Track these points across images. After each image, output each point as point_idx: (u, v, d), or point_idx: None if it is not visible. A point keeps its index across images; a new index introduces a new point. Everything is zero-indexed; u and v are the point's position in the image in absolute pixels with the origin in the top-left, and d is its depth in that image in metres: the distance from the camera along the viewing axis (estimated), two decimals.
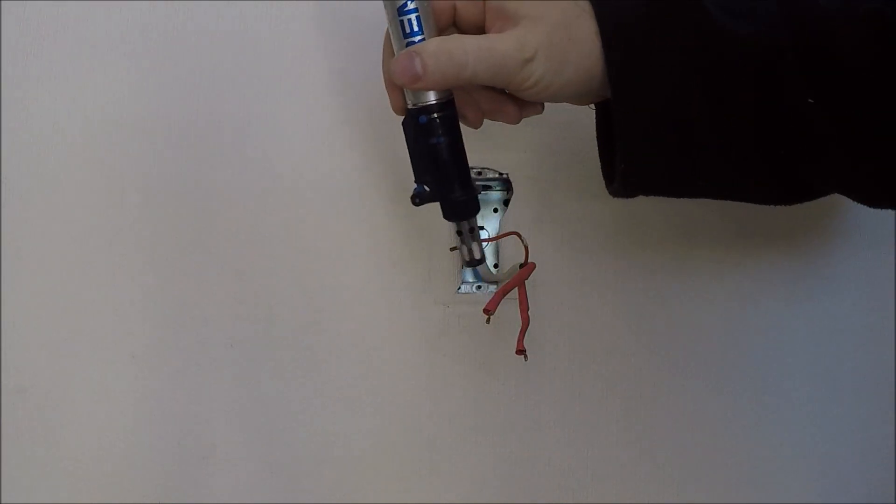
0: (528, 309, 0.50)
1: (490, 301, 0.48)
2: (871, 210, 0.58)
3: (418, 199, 0.43)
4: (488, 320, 0.48)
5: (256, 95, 0.57)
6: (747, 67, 0.39)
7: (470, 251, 0.46)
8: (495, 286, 0.58)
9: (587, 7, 0.39)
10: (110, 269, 0.56)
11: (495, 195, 0.61)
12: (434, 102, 0.41)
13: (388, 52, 0.42)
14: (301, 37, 0.57)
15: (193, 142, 0.56)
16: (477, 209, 0.45)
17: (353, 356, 0.57)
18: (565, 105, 0.58)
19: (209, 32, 0.56)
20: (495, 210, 0.61)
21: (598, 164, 0.58)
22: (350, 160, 0.57)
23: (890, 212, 0.59)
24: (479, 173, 0.58)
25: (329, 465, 0.57)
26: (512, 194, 0.58)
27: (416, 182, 0.44)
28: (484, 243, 0.59)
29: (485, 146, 0.58)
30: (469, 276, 0.59)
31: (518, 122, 0.45)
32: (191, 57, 0.56)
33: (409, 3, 0.40)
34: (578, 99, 0.42)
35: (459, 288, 0.58)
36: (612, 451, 0.58)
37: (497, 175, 0.58)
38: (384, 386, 0.57)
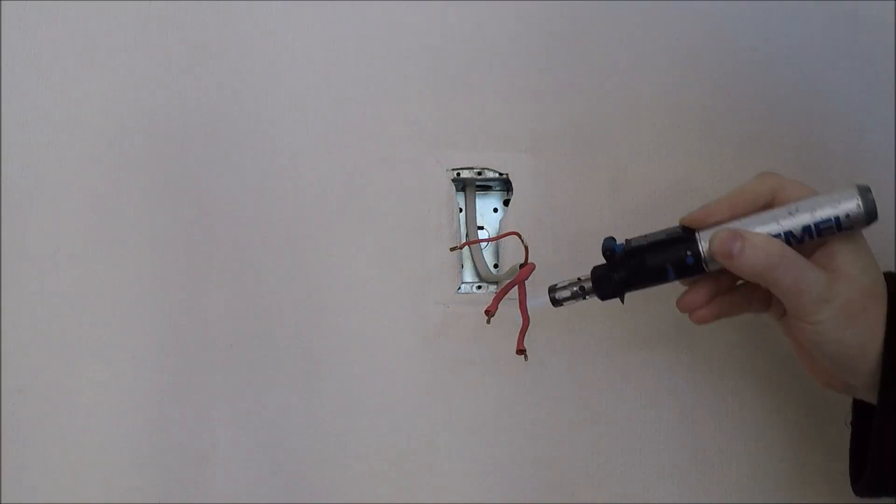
0: (527, 309, 0.50)
1: (491, 302, 0.48)
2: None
3: (609, 252, 0.46)
4: (489, 321, 0.48)
5: (256, 95, 0.57)
6: None
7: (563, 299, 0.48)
8: (495, 286, 0.58)
9: (884, 288, 0.43)
10: (111, 269, 0.56)
11: (495, 195, 0.61)
12: (705, 261, 0.44)
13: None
14: (301, 36, 0.57)
15: (193, 142, 0.56)
16: (606, 298, 0.47)
17: (353, 356, 0.57)
18: (563, 105, 0.58)
19: (209, 32, 0.56)
20: (495, 210, 0.61)
21: (596, 164, 0.58)
22: (350, 160, 0.57)
23: (889, 215, 0.59)
24: (480, 173, 0.58)
25: (329, 465, 0.57)
26: (512, 194, 0.58)
27: (623, 241, 0.46)
28: (483, 244, 0.59)
29: (485, 146, 0.58)
30: (469, 276, 0.59)
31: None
32: (191, 57, 0.56)
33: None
34: (839, 367, 0.44)
35: (459, 288, 0.58)
36: (612, 451, 0.58)
37: (497, 175, 0.58)
38: (384, 386, 0.57)
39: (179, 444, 0.56)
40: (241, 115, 0.57)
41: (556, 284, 0.47)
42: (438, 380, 0.58)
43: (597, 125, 0.59)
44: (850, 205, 0.42)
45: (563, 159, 0.59)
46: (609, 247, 0.46)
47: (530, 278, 0.51)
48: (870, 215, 0.42)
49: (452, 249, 0.55)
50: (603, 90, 0.59)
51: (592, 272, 0.47)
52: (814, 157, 0.59)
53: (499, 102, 0.58)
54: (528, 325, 0.49)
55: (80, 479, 0.55)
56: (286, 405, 0.57)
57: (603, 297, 0.47)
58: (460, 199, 0.59)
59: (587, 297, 0.47)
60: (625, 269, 0.46)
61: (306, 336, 0.57)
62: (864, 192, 0.42)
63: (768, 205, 0.44)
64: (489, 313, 0.48)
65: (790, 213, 0.43)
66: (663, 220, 0.58)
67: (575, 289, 0.47)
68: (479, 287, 0.59)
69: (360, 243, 0.57)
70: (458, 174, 0.58)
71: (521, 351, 0.48)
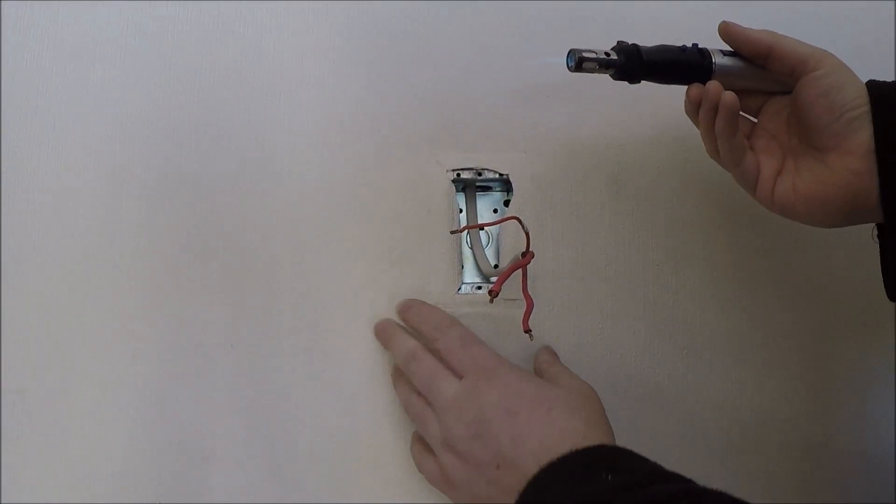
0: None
1: (495, 283, 0.49)
2: None
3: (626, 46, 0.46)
4: (492, 301, 0.49)
5: (256, 95, 0.57)
6: None
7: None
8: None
9: None
10: (111, 269, 0.56)
11: (495, 195, 0.61)
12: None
13: None
14: (301, 36, 0.57)
15: (193, 142, 0.57)
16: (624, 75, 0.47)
17: (353, 356, 0.57)
18: (563, 105, 0.58)
19: (209, 32, 0.57)
20: (495, 210, 0.61)
21: (596, 164, 0.59)
22: (350, 161, 0.57)
23: None
24: (480, 173, 0.58)
25: (329, 465, 0.57)
26: (512, 194, 0.58)
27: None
28: (484, 244, 0.59)
29: (485, 146, 0.58)
30: (469, 277, 0.59)
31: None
32: (191, 57, 0.57)
33: None
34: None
35: (459, 289, 0.58)
36: None
37: (497, 175, 0.58)
38: (384, 386, 0.57)
39: (179, 444, 0.56)
40: (241, 115, 0.57)
41: (580, 49, 0.46)
42: None
43: (596, 125, 0.59)
44: None
45: (563, 159, 0.59)
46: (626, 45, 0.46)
47: (530, 280, 0.51)
48: None
49: (453, 232, 0.55)
50: (603, 90, 0.59)
51: (618, 46, 0.46)
52: None
53: (498, 103, 0.58)
54: (531, 308, 0.50)
55: (79, 479, 0.55)
56: (286, 406, 0.57)
57: (624, 73, 0.46)
58: (460, 200, 0.59)
59: (607, 69, 0.46)
60: (648, 56, 0.46)
61: (306, 336, 0.57)
62: None
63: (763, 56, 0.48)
64: (493, 293, 0.48)
65: None
66: (664, 220, 0.59)
67: (601, 55, 0.46)
68: (479, 288, 0.59)
69: (360, 244, 0.57)
70: (458, 174, 0.58)
71: (527, 331, 0.49)
